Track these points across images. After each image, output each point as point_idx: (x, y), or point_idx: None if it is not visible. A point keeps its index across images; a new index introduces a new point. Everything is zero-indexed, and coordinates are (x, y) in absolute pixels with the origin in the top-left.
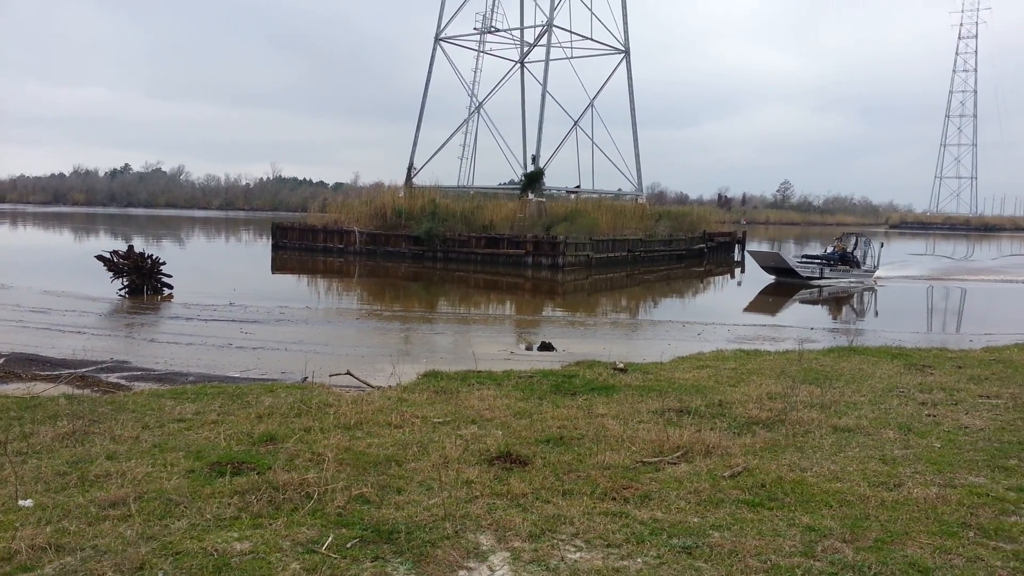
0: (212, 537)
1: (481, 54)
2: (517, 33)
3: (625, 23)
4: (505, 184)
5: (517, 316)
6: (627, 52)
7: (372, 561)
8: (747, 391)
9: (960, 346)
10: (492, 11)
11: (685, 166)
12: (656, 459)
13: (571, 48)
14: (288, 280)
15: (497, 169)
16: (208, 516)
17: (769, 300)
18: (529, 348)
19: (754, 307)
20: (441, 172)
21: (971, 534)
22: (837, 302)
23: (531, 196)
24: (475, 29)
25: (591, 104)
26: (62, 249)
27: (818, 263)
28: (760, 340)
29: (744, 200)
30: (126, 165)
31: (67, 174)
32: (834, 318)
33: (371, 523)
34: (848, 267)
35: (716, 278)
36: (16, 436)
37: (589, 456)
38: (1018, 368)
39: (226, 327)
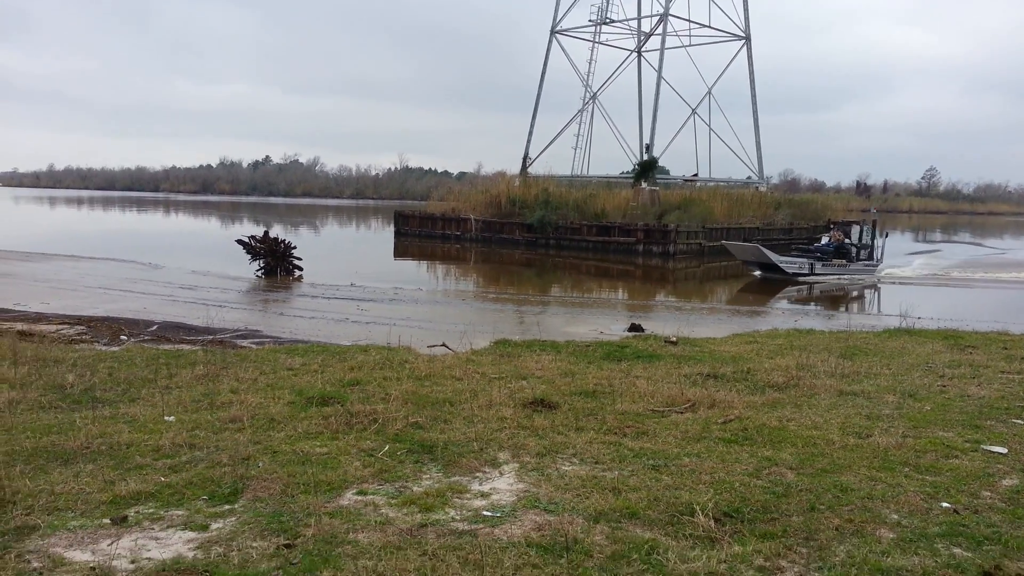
0: (301, 444)
1: (596, 45)
2: (632, 23)
3: (746, 8)
4: (624, 173)
5: (618, 301)
6: (748, 38)
7: (413, 464)
8: (779, 362)
9: None
10: (607, 2)
11: (822, 152)
12: (666, 409)
13: (689, 36)
14: (407, 264)
15: (612, 158)
16: (300, 431)
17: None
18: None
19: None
20: (556, 161)
21: (906, 470)
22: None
23: (644, 185)
24: (590, 21)
25: (709, 92)
26: (209, 234)
27: (807, 257)
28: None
29: (885, 187)
30: (267, 157)
31: (214, 165)
32: None
33: (418, 441)
34: (845, 261)
35: None
36: (163, 376)
37: (610, 405)
38: None
39: (345, 304)
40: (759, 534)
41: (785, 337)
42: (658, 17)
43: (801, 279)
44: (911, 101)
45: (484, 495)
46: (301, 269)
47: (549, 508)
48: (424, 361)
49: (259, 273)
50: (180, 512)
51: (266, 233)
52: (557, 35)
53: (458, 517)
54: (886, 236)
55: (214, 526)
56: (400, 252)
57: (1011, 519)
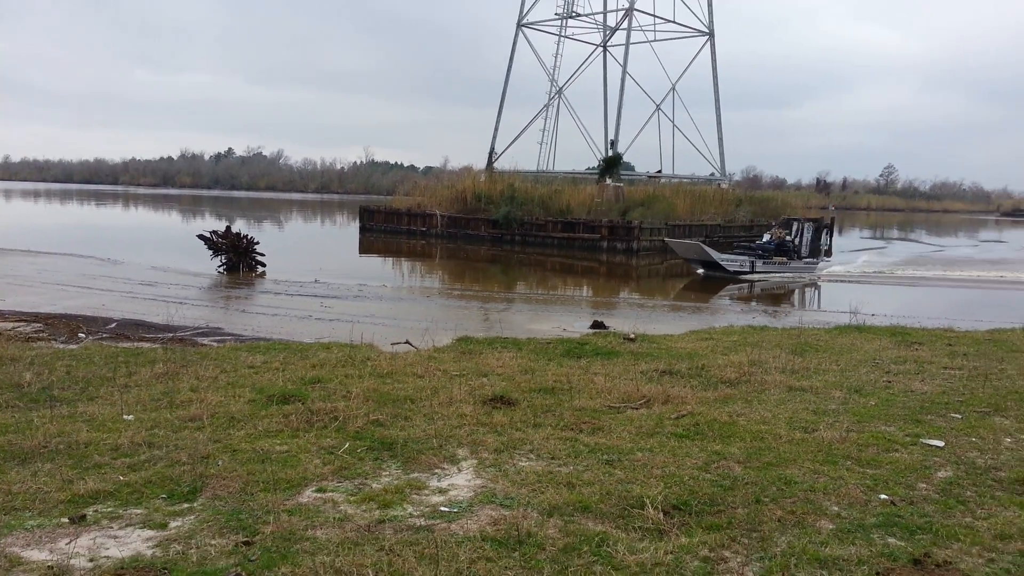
0: (261, 442)
1: (562, 39)
2: (598, 17)
3: (710, 5)
4: (590, 169)
5: (582, 298)
6: (711, 34)
7: (373, 461)
8: (732, 359)
9: (972, 329)
10: None
11: (784, 150)
12: (621, 405)
13: (654, 31)
14: (372, 261)
15: (578, 153)
16: (260, 429)
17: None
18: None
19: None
20: (522, 156)
21: (848, 463)
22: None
23: (609, 181)
24: (556, 14)
25: (673, 88)
26: (169, 229)
27: (749, 255)
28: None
29: (844, 185)
30: (229, 149)
31: (175, 157)
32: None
33: (379, 438)
34: (786, 259)
35: None
36: (122, 374)
37: (567, 401)
38: (1006, 347)
39: (309, 301)
40: (705, 526)
41: (740, 334)
42: (624, 11)
43: (743, 277)
44: (871, 99)
45: (442, 491)
46: (264, 265)
47: (505, 503)
48: (386, 359)
49: (221, 269)
50: (139, 511)
51: (228, 228)
52: (524, 28)
53: (416, 513)
54: (828, 233)
55: (173, 524)
56: (365, 248)
57: (943, 509)
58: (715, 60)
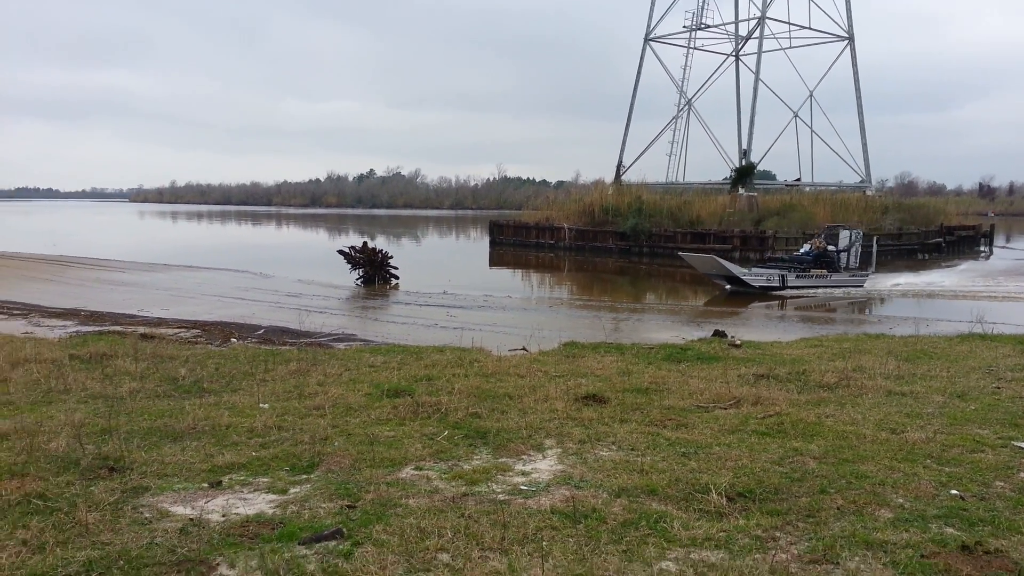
0: (372, 428)
1: (691, 50)
2: (729, 27)
3: (848, 8)
4: (725, 179)
5: (707, 308)
6: (851, 38)
7: (467, 447)
8: (836, 364)
9: None
10: (702, 8)
11: (943, 153)
12: (711, 405)
13: (789, 38)
14: (501, 273)
15: (709, 164)
16: (372, 417)
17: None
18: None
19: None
20: (651, 169)
21: (928, 461)
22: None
23: (742, 190)
24: (685, 27)
25: (811, 94)
26: (315, 245)
27: (779, 268)
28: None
29: (1011, 190)
30: (371, 170)
31: (322, 179)
32: None
33: (475, 427)
34: (826, 271)
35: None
36: (261, 371)
37: (658, 401)
38: None
39: (436, 311)
40: (766, 511)
41: (853, 341)
42: (755, 20)
43: (774, 292)
44: None
45: (525, 473)
46: (398, 278)
47: (579, 485)
48: (493, 361)
49: (358, 282)
50: (265, 479)
51: (365, 244)
52: (651, 42)
53: (498, 490)
54: (876, 240)
55: (292, 491)
56: (495, 261)
57: (1014, 505)
58: (856, 64)
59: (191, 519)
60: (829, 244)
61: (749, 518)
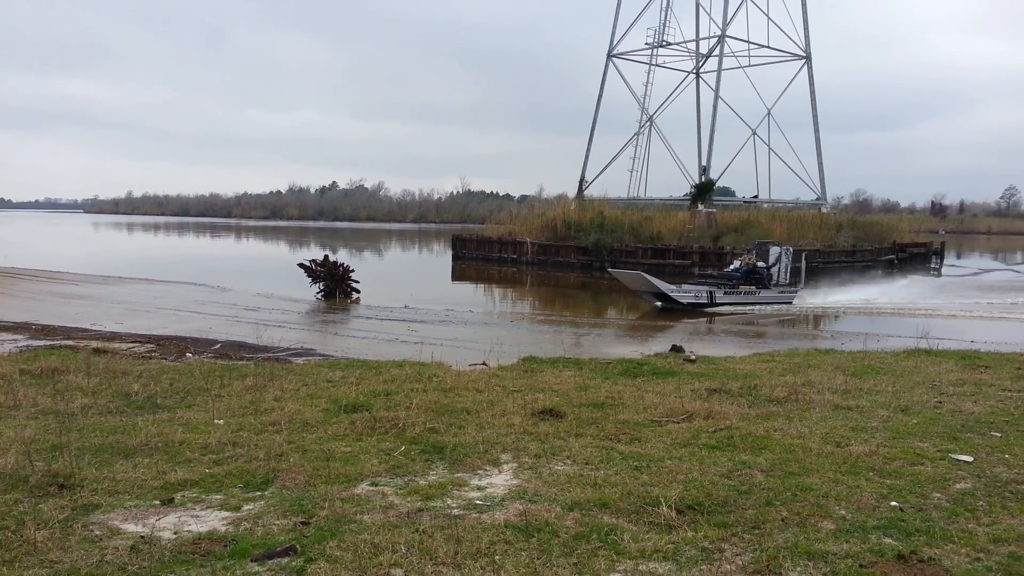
0: (328, 443)
1: (653, 67)
2: (690, 45)
3: (806, 28)
4: (685, 195)
5: (667, 324)
6: (808, 57)
7: (424, 462)
8: (787, 379)
9: None
10: (664, 25)
11: (896, 172)
12: (664, 419)
13: (748, 56)
14: (463, 287)
15: (670, 181)
16: (329, 433)
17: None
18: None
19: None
20: (613, 185)
21: (870, 474)
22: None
23: (701, 207)
24: (647, 44)
25: (769, 112)
26: (275, 258)
27: (707, 284)
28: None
29: (962, 208)
30: (333, 183)
31: (283, 191)
32: None
33: (432, 443)
34: (755, 287)
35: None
36: (217, 386)
37: (613, 415)
38: None
39: (397, 326)
40: (713, 523)
41: (803, 356)
42: (716, 38)
43: (703, 309)
44: (991, 117)
45: (480, 488)
46: (359, 292)
47: (533, 499)
48: (452, 375)
49: (319, 296)
50: (219, 496)
51: (326, 257)
52: (614, 59)
53: (453, 505)
54: (804, 256)
55: (245, 507)
56: (457, 275)
57: (948, 516)
58: (812, 83)
59: (142, 537)
60: (759, 261)
61: (697, 530)
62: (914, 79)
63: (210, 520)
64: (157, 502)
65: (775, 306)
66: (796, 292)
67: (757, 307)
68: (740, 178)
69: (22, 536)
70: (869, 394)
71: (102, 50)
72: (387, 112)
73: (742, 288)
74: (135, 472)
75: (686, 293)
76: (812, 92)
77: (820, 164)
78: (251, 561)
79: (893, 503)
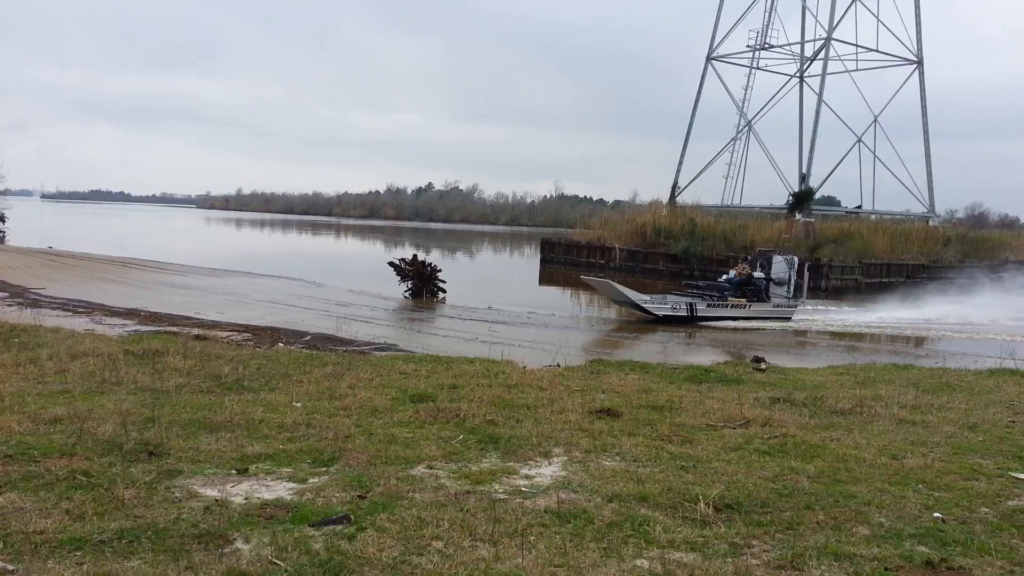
0: (392, 428)
1: (754, 71)
2: (794, 48)
3: (919, 31)
4: (786, 203)
5: (755, 337)
6: (920, 62)
7: (479, 450)
8: (855, 392)
9: None
10: (767, 27)
11: (1018, 184)
12: (720, 424)
13: (856, 60)
14: (549, 291)
15: (766, 189)
16: (394, 419)
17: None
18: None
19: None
20: (708, 191)
21: (919, 486)
22: None
23: (799, 216)
24: (748, 46)
25: (876, 119)
26: (369, 257)
27: (690, 295)
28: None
29: None
30: (429, 184)
31: (381, 191)
32: None
33: (489, 434)
34: (746, 300)
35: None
36: (298, 371)
37: (670, 418)
38: None
39: (479, 326)
40: (748, 522)
41: (879, 370)
42: (821, 41)
43: (696, 322)
44: None
45: (528, 477)
46: (445, 291)
47: (576, 489)
48: (518, 373)
49: (406, 294)
50: (288, 469)
51: (414, 256)
52: (713, 61)
53: (500, 490)
54: (807, 265)
55: (311, 481)
56: (545, 279)
57: (992, 530)
58: (924, 89)
59: (216, 500)
60: (758, 271)
61: (730, 527)
62: None
63: (278, 489)
64: (233, 471)
65: (769, 322)
66: (795, 307)
67: (746, 322)
68: (845, 187)
69: (112, 494)
70: (939, 410)
71: (213, 47)
72: (484, 114)
73: (731, 301)
74: (217, 444)
75: (662, 305)
76: (923, 98)
77: (929, 175)
78: (309, 526)
79: (936, 514)
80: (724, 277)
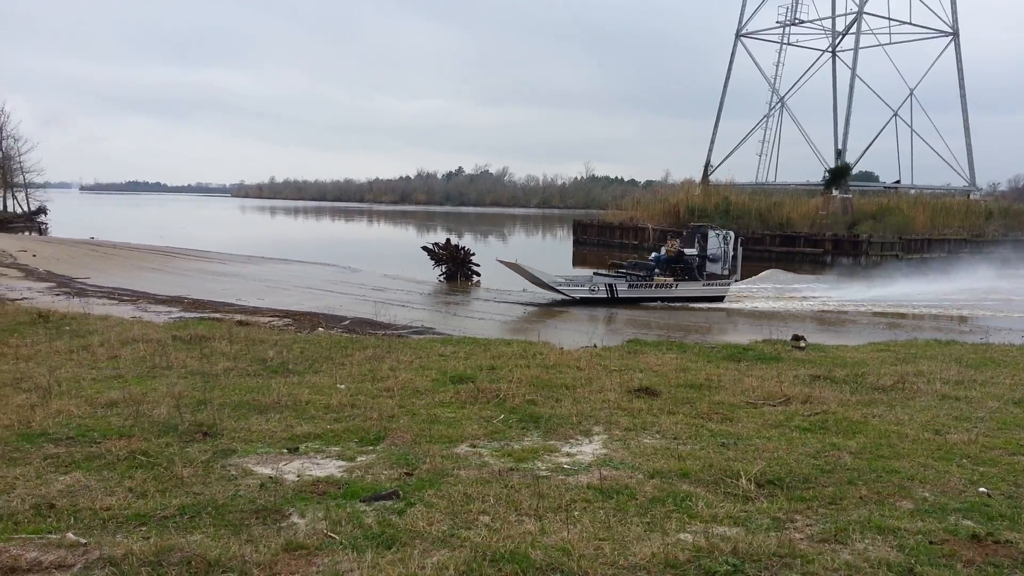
0: (434, 409)
1: (784, 46)
2: (825, 22)
3: (953, 2)
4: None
5: (791, 311)
6: (956, 33)
7: (520, 429)
8: (897, 368)
9: None
10: (797, 2)
11: None
12: (760, 402)
13: (889, 33)
14: (583, 272)
15: (801, 165)
16: (436, 400)
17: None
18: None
19: None
20: (741, 169)
21: (963, 461)
22: None
23: (835, 192)
24: (778, 22)
25: (911, 93)
26: (402, 242)
27: (608, 276)
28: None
29: None
30: (459, 168)
31: (412, 177)
32: None
33: (529, 413)
34: (673, 279)
35: None
36: (340, 355)
37: (709, 396)
38: None
39: (514, 308)
40: (791, 497)
41: (921, 346)
42: (853, 15)
43: (618, 304)
44: None
45: (570, 455)
46: (479, 275)
47: (618, 466)
48: (556, 353)
49: (441, 278)
50: (336, 448)
51: (448, 241)
52: (743, 38)
53: (542, 467)
54: (740, 241)
55: (359, 459)
56: (578, 260)
57: None
58: (960, 60)
59: (270, 477)
60: (690, 247)
61: (773, 502)
62: None
63: (328, 467)
64: (284, 450)
65: (695, 301)
66: (728, 285)
67: (673, 302)
68: (883, 162)
69: (171, 472)
70: (983, 385)
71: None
72: (512, 97)
73: (657, 280)
74: (267, 425)
75: (579, 288)
76: (960, 70)
77: (969, 147)
78: (360, 501)
79: (981, 489)
80: (653, 255)
